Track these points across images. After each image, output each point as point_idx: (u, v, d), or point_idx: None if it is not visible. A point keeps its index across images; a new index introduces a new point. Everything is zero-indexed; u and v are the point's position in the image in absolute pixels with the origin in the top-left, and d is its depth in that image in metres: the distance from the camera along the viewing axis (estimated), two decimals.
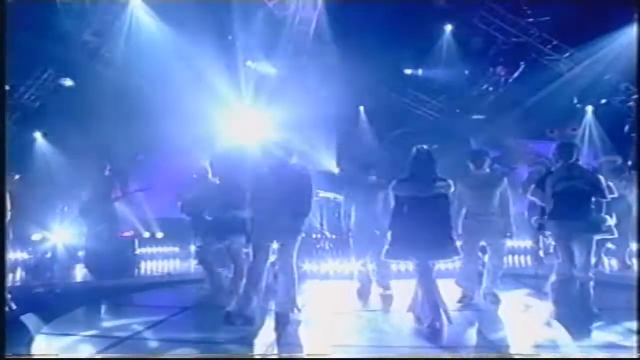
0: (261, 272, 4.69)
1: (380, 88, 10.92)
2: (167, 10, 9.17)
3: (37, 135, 10.42)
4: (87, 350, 4.07)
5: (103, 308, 5.66)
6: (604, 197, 4.76)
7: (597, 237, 4.79)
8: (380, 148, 10.78)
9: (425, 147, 4.66)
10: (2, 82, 6.07)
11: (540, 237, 7.12)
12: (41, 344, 4.15)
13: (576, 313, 4.60)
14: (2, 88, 6.54)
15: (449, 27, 9.39)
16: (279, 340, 4.26)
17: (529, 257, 7.73)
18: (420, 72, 11.20)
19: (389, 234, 4.60)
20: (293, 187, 4.66)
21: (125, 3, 9.20)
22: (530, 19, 8.76)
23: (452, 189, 4.61)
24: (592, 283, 4.69)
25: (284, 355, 4.03)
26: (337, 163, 11.09)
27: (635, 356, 3.66)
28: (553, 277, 4.91)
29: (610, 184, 4.90)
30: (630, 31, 8.23)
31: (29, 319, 4.81)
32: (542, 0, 8.38)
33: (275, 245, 4.82)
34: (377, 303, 5.60)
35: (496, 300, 5.33)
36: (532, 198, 5.47)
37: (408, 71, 11.26)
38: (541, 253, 7.06)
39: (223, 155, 6.36)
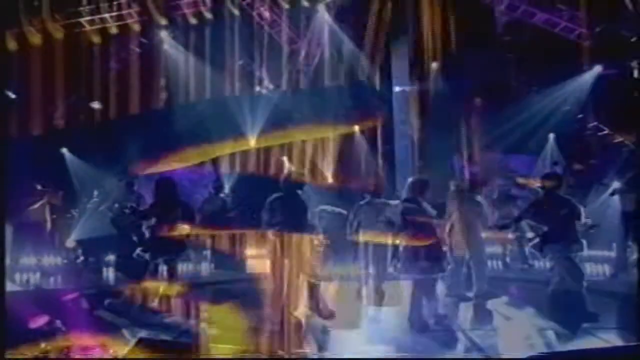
0: None
1: (373, 109, 12.25)
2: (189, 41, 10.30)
3: (65, 150, 11.36)
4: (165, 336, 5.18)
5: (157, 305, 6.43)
6: (580, 219, 5.34)
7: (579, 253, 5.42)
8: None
9: (420, 178, 5.62)
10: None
11: (508, 246, 8.59)
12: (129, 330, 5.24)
13: (572, 318, 5.15)
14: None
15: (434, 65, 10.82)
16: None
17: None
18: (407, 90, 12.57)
19: (393, 250, 5.53)
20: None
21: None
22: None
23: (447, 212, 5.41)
24: (584, 291, 5.28)
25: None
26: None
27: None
28: (550, 288, 5.42)
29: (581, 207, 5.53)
30: (585, 74, 10.35)
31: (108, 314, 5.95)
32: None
33: None
34: (374, 303, 6.36)
35: (465, 299, 6.36)
36: (530, 222, 6.38)
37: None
38: (507, 260, 8.52)
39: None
